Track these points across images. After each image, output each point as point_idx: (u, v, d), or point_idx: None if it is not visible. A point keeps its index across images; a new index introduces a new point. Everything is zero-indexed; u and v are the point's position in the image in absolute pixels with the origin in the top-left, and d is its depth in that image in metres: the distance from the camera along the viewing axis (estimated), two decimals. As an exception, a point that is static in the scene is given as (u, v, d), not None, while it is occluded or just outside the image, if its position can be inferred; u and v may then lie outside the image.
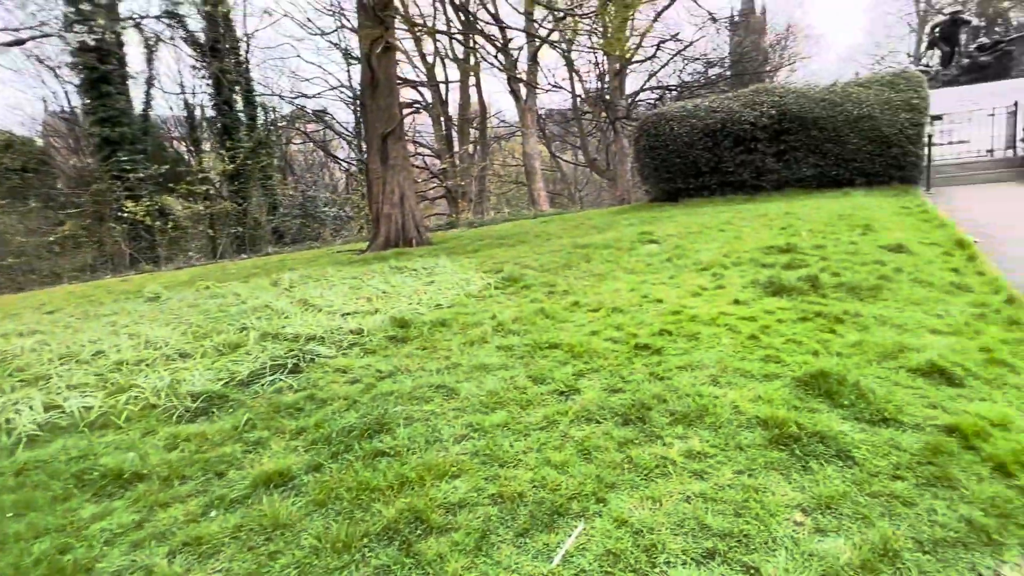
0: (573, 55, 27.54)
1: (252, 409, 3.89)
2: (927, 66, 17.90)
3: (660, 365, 3.92)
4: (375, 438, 3.34)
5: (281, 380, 4.31)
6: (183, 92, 24.30)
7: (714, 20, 27.38)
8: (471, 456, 3.09)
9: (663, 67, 28.12)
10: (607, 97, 25.67)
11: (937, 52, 17.69)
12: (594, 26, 20.26)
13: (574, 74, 29.29)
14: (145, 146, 20.99)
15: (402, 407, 3.66)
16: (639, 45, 28.13)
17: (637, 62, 28.30)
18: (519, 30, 19.65)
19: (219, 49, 22.26)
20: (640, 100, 28.79)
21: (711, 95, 14.99)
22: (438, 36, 25.16)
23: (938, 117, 14.00)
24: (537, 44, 21.84)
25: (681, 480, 2.76)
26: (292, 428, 3.60)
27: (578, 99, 30.53)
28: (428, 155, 29.07)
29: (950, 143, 14.19)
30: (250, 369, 4.46)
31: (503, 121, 36.07)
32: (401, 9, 22.80)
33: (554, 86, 28.65)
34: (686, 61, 28.61)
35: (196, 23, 22.51)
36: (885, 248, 6.30)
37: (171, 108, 25.94)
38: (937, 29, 17.39)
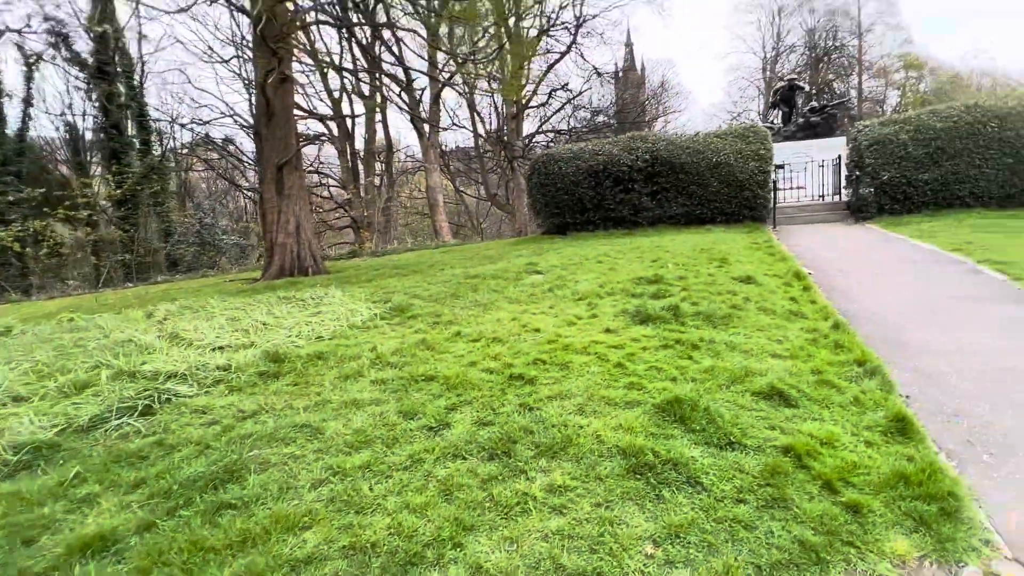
0: (476, 97, 27.92)
1: (87, 460, 3.27)
2: (771, 123, 19.70)
3: (532, 395, 3.75)
4: (222, 488, 2.88)
5: (128, 424, 3.70)
6: (69, 113, 21.88)
7: (599, 74, 28.82)
8: (327, 503, 2.72)
9: (555, 113, 29.13)
10: (505, 138, 26.08)
11: (779, 112, 19.51)
12: (492, 72, 20.56)
13: (476, 115, 29.63)
14: (20, 168, 18.56)
15: (259, 451, 3.22)
16: (534, 92, 29.01)
17: (533, 107, 29.14)
18: (421, 72, 19.52)
19: (108, 71, 20.29)
20: (536, 141, 29.56)
21: (597, 140, 15.57)
22: (345, 73, 24.51)
23: (780, 166, 15.33)
24: (439, 86, 21.81)
25: (541, 516, 2.56)
26: (130, 480, 3.04)
27: (480, 138, 30.88)
28: (334, 185, 28.06)
29: (791, 188, 15.60)
30: (93, 413, 3.80)
31: (410, 156, 35.72)
32: (305, 43, 22.00)
33: (455, 125, 28.80)
34: (575, 108, 29.81)
35: (85, 44, 20.46)
36: (737, 279, 6.58)
37: (56, 129, 23.30)
38: (778, 93, 19.25)
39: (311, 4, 10.01)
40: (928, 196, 11.90)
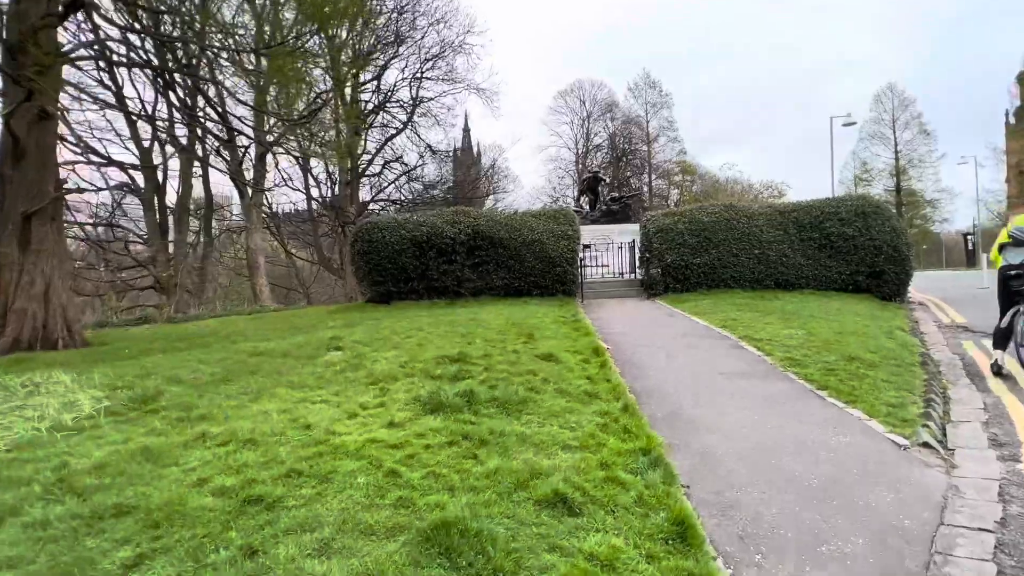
0: (315, 162, 26.34)
1: None
2: (580, 207, 21.30)
3: (266, 529, 2.73)
4: None
5: None
6: None
7: (432, 152, 29.18)
8: None
9: (391, 184, 28.64)
10: (336, 204, 24.74)
11: (586, 198, 21.19)
12: (325, 138, 19.49)
13: (310, 177, 27.96)
14: None
15: None
16: (370, 162, 28.37)
17: (369, 176, 28.37)
18: (242, 132, 17.73)
19: None
20: (372, 209, 28.63)
21: (424, 211, 15.18)
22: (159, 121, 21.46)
23: (587, 246, 16.29)
24: (268, 146, 20.05)
25: None
26: None
27: (316, 202, 29.10)
28: (136, 241, 23.88)
29: (597, 266, 16.55)
30: None
31: (238, 215, 32.32)
32: (110, 84, 18.91)
33: (287, 186, 26.78)
34: (411, 180, 29.66)
35: None
36: (540, 357, 6.28)
37: None
38: (585, 182, 21.00)
39: (85, 40, 8.29)
40: (701, 277, 13.26)
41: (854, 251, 13.06)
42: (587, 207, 20.68)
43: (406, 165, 27.68)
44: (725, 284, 13.17)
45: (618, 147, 46.61)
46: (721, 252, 13.26)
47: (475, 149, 55.15)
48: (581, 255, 14.62)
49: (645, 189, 46.52)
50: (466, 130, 57.14)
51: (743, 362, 6.75)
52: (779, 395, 5.43)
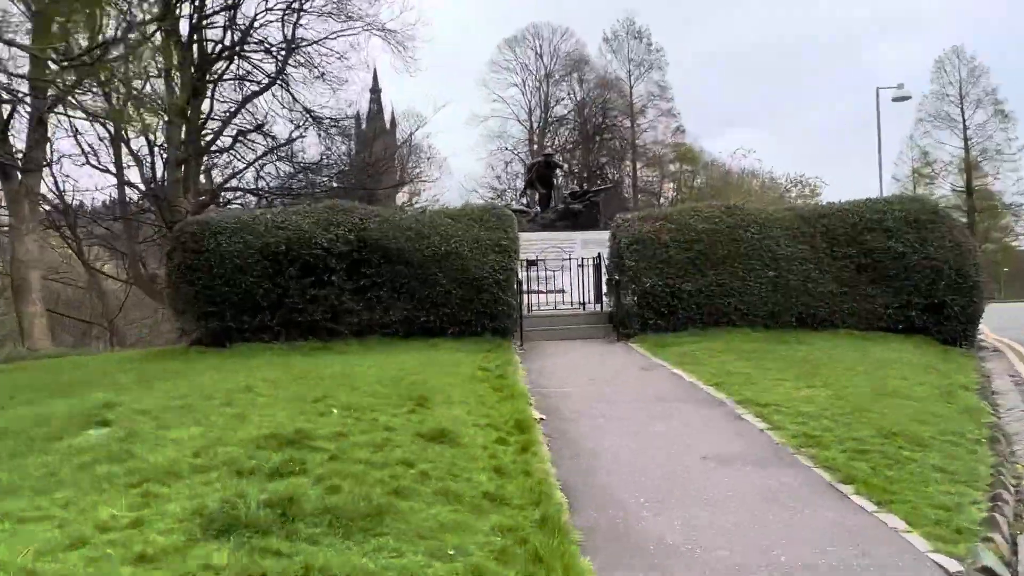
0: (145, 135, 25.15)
1: None
2: (527, 205, 21.26)
3: None
4: None
5: None
6: None
7: (316, 120, 28.59)
8: None
9: (251, 165, 27.85)
10: (162, 194, 23.69)
11: (536, 193, 21.19)
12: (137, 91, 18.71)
13: (125, 153, 26.68)
14: None
15: None
16: (220, 132, 27.48)
17: (218, 152, 27.48)
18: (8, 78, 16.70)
19: None
20: (225, 201, 27.69)
21: (285, 208, 14.68)
22: None
23: (534, 262, 16.14)
24: (46, 102, 18.95)
25: None
26: None
27: (131, 189, 27.80)
28: None
29: (548, 292, 16.39)
30: None
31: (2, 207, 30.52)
32: None
33: (91, 165, 25.46)
34: (281, 161, 28.96)
35: None
36: (426, 436, 5.99)
37: None
38: (533, 170, 21.01)
39: None
40: (694, 310, 13.29)
41: (904, 275, 13.45)
42: (536, 205, 20.67)
43: (274, 139, 26.98)
44: (727, 320, 13.30)
45: (589, 121, 47.66)
46: (722, 274, 13.40)
47: (388, 120, 55.21)
48: (523, 275, 14.44)
49: (627, 181, 47.60)
50: (374, 92, 57.12)
51: (739, 440, 6.71)
52: (784, 492, 5.33)
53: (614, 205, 37.37)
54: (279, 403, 7.09)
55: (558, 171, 21.52)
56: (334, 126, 28.24)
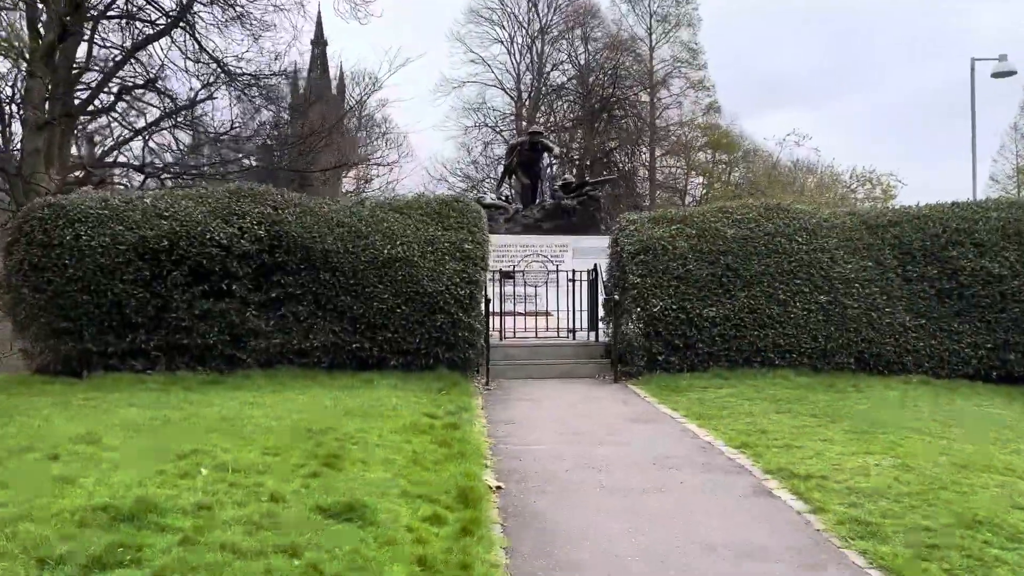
0: None
1: None
2: (505, 199, 21.09)
3: None
4: None
5: None
6: None
7: (231, 78, 28.29)
8: None
9: (140, 133, 27.48)
10: (11, 169, 23.27)
11: (515, 182, 21.04)
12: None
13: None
14: None
15: None
16: (101, 87, 27.08)
17: (91, 114, 27.14)
18: None
19: None
20: (116, 183, 27.34)
21: (171, 189, 14.38)
22: None
23: (510, 274, 16.07)
24: None
25: None
26: None
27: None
28: None
29: (527, 313, 16.24)
30: None
31: None
32: None
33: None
34: (179, 128, 28.62)
35: None
36: (327, 511, 5.76)
37: None
38: (515, 152, 20.78)
39: None
40: (718, 344, 13.14)
41: (1001, 304, 13.42)
42: (517, 200, 20.51)
43: (172, 99, 26.65)
44: (761, 359, 13.25)
45: (595, 93, 47.78)
46: (756, 296, 13.35)
47: (335, 83, 55.14)
48: (494, 290, 14.32)
49: (643, 173, 47.69)
50: (317, 46, 57.16)
51: (766, 525, 6.46)
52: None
53: (624, 204, 37.48)
54: (130, 460, 6.89)
55: (548, 155, 21.28)
56: (255, 85, 27.83)
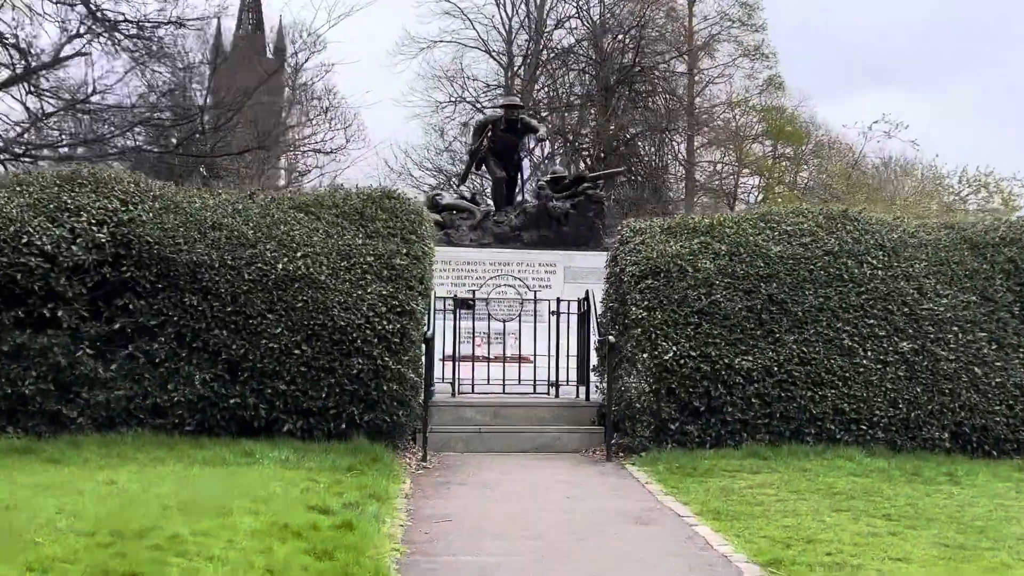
0: None
1: None
2: (471, 200, 20.79)
3: None
4: None
5: None
6: None
7: (108, 28, 28.09)
8: None
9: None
10: None
11: (491, 176, 20.60)
12: None
13: None
14: None
15: None
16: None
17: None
18: None
19: None
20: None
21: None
22: None
23: (469, 304, 15.75)
24: None
25: None
26: None
27: None
28: None
29: (490, 358, 15.80)
30: None
31: None
32: None
33: None
34: (44, 96, 28.63)
35: None
36: None
37: None
38: (486, 132, 20.30)
39: None
40: (756, 408, 12.81)
41: None
42: (487, 198, 20.04)
43: (26, 54, 26.37)
44: (817, 430, 13.00)
45: (612, 60, 47.43)
46: (810, 341, 13.08)
47: (271, 43, 55.60)
48: (445, 325, 14.16)
49: (676, 170, 47.23)
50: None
51: None
52: None
53: (650, 211, 36.99)
54: None
55: (532, 138, 20.88)
56: (140, 38, 27.62)
